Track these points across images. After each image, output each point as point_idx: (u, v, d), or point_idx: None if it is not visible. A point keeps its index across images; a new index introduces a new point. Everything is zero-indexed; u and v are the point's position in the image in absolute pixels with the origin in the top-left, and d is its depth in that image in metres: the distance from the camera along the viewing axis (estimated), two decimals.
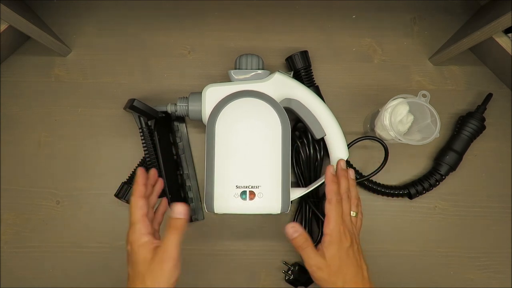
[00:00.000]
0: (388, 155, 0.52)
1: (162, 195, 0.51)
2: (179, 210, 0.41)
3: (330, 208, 0.45)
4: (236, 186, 0.47)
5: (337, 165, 0.49)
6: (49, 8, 0.58)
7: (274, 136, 0.47)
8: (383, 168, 0.52)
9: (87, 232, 0.55)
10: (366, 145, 0.56)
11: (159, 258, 0.39)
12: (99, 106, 0.57)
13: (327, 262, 0.43)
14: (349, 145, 0.51)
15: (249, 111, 0.47)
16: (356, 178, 0.54)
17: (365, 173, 0.54)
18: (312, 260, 0.43)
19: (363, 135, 0.53)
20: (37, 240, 0.54)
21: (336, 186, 0.46)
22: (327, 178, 0.47)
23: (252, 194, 0.47)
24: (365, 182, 0.54)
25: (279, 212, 0.47)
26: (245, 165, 0.47)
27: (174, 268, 0.39)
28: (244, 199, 0.46)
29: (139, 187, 0.44)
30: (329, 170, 0.47)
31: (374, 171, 0.52)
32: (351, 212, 0.46)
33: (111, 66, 0.58)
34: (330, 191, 0.46)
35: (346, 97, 0.58)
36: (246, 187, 0.47)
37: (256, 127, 0.47)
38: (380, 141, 0.52)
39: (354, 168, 0.54)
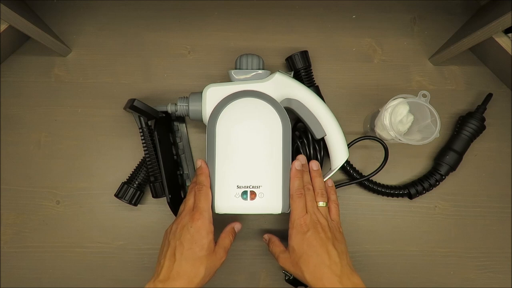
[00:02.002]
0: (388, 155, 0.52)
1: (162, 195, 0.51)
2: (238, 226, 0.50)
3: (292, 203, 0.46)
4: (237, 186, 0.47)
5: (298, 161, 0.49)
6: (49, 8, 0.58)
7: (275, 136, 0.47)
8: (383, 168, 0.52)
9: (87, 232, 0.55)
10: (366, 145, 0.56)
11: (219, 255, 0.44)
12: (99, 106, 0.57)
13: (289, 251, 0.45)
14: (349, 145, 0.51)
15: (249, 111, 0.47)
16: (356, 178, 0.54)
17: (365, 173, 0.55)
18: (276, 251, 0.47)
19: (363, 135, 0.53)
20: (37, 240, 0.54)
21: (297, 181, 0.47)
22: (291, 173, 0.48)
23: (253, 194, 0.47)
24: (365, 182, 0.54)
25: (280, 212, 0.47)
26: (246, 165, 0.47)
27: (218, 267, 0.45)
28: (245, 199, 0.46)
29: (207, 178, 0.46)
30: (293, 166, 0.48)
31: (374, 171, 0.52)
32: (319, 202, 0.47)
33: (111, 66, 0.58)
34: (291, 188, 0.47)
35: (346, 97, 0.58)
36: (247, 187, 0.47)
37: (257, 127, 0.47)
38: (380, 141, 0.52)
39: (355, 169, 0.54)
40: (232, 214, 0.49)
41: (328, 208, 0.48)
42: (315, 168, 0.49)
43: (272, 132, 0.47)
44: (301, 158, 0.49)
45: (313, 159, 0.52)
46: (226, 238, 0.47)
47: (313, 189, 0.48)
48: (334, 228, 0.46)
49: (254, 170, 0.47)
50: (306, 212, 0.45)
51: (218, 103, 0.47)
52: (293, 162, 0.48)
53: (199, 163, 0.48)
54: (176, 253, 0.42)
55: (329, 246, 0.43)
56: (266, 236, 0.52)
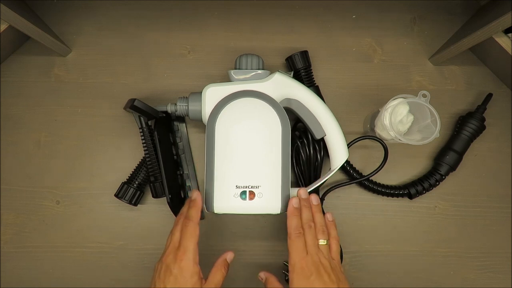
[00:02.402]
0: (387, 155, 0.52)
1: (162, 195, 0.51)
2: (230, 256, 0.46)
3: (290, 243, 0.44)
4: (236, 186, 0.47)
5: (298, 195, 0.47)
6: (49, 8, 0.58)
7: (274, 136, 0.47)
8: (383, 168, 0.52)
9: (87, 232, 0.55)
10: (366, 145, 0.56)
11: None
12: (99, 106, 0.57)
13: None
14: (348, 145, 0.51)
15: (249, 111, 0.47)
16: (356, 178, 0.54)
17: (365, 173, 0.54)
18: None
19: (363, 135, 0.53)
20: (37, 240, 0.54)
21: (295, 220, 0.45)
22: (287, 212, 0.46)
23: (252, 194, 0.47)
24: (365, 182, 0.54)
25: (279, 212, 0.47)
26: (245, 165, 0.47)
27: None
28: (244, 199, 0.46)
29: (198, 213, 0.44)
30: (291, 203, 0.46)
31: (374, 171, 0.52)
32: (320, 240, 0.44)
33: (111, 66, 0.58)
34: (289, 227, 0.44)
35: (346, 97, 0.58)
36: (246, 187, 0.47)
37: (256, 127, 0.47)
38: (380, 140, 0.52)
39: (354, 168, 0.54)
40: (231, 214, 0.49)
41: (329, 245, 0.45)
42: (315, 203, 0.47)
43: (271, 132, 0.47)
44: (303, 192, 0.47)
45: (313, 159, 0.52)
46: (217, 273, 0.44)
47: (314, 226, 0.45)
48: (336, 269, 0.43)
49: (253, 170, 0.47)
50: (307, 253, 0.43)
51: (218, 103, 0.47)
52: (291, 199, 0.46)
53: (194, 195, 0.45)
54: None
55: None
56: (262, 274, 0.48)
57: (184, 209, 0.45)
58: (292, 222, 0.45)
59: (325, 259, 0.43)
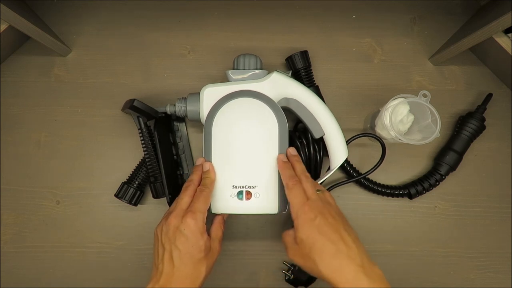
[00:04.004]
0: (385, 152, 0.51)
1: (162, 195, 0.51)
2: (225, 215, 0.48)
3: (289, 193, 0.42)
4: (233, 186, 0.47)
5: (286, 152, 0.47)
6: (49, 8, 0.58)
7: (271, 136, 0.47)
8: (383, 168, 0.52)
9: (87, 232, 0.55)
10: (365, 143, 0.56)
11: (215, 249, 0.43)
12: (99, 106, 0.57)
13: (299, 246, 0.40)
14: (347, 143, 0.50)
15: (246, 111, 0.47)
16: (354, 176, 0.54)
17: (363, 172, 0.54)
18: (288, 248, 0.42)
19: (361, 133, 0.53)
20: (37, 240, 0.54)
21: (288, 170, 0.44)
22: (279, 165, 0.46)
23: (249, 194, 0.46)
24: (365, 182, 0.54)
25: (276, 212, 0.47)
26: (242, 165, 0.47)
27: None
28: (241, 199, 0.46)
29: (212, 184, 0.45)
30: (279, 158, 0.46)
31: (371, 169, 0.52)
32: (316, 190, 0.43)
33: (111, 66, 0.58)
34: (286, 177, 0.43)
35: (346, 97, 0.58)
36: (243, 187, 0.47)
37: (253, 127, 0.47)
38: (377, 137, 0.52)
39: (352, 165, 0.54)
40: (229, 214, 0.49)
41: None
42: (293, 153, 0.47)
43: (268, 132, 0.47)
44: (291, 150, 0.47)
45: (313, 159, 0.52)
46: (218, 229, 0.46)
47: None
48: (339, 212, 0.42)
49: (250, 170, 0.47)
50: (308, 198, 0.41)
51: (215, 104, 0.47)
52: (278, 156, 0.46)
53: (207, 166, 0.46)
54: (174, 258, 0.40)
55: (342, 231, 0.39)
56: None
57: (193, 176, 0.45)
58: (286, 172, 0.44)
59: (326, 203, 0.42)
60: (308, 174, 0.44)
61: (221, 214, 0.48)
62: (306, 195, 0.42)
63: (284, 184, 0.44)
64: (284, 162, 0.46)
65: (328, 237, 0.38)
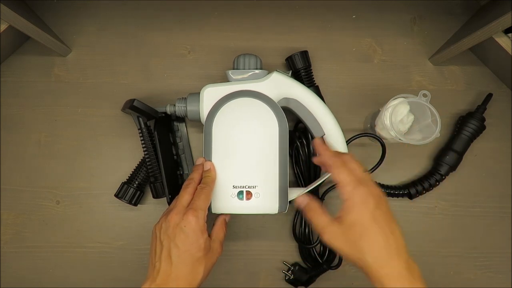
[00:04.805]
0: (385, 152, 0.51)
1: (162, 195, 0.51)
2: (228, 217, 0.47)
3: (338, 171, 0.38)
4: (233, 186, 0.46)
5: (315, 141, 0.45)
6: (49, 8, 0.58)
7: (271, 135, 0.47)
8: (383, 168, 0.52)
9: (87, 232, 0.55)
10: (365, 143, 0.56)
11: (216, 250, 0.43)
12: (99, 106, 0.57)
13: (344, 229, 0.36)
14: (347, 142, 0.50)
15: (246, 111, 0.47)
16: None
17: None
18: (325, 228, 0.38)
19: (361, 132, 0.53)
20: (37, 240, 0.54)
21: (328, 151, 0.42)
22: (319, 147, 0.43)
23: (249, 194, 0.46)
24: None
25: (276, 212, 0.47)
26: (242, 165, 0.47)
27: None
28: (241, 199, 0.46)
29: (213, 183, 0.45)
30: (317, 141, 0.44)
31: (371, 169, 0.52)
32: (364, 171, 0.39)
33: (111, 66, 0.58)
34: (328, 157, 0.40)
35: (346, 97, 0.58)
36: (243, 187, 0.46)
37: (253, 127, 0.47)
38: (377, 137, 0.52)
39: None
40: (229, 214, 0.49)
41: None
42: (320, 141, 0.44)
43: (268, 132, 0.47)
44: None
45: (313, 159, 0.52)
46: (220, 230, 0.45)
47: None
48: (388, 202, 0.39)
49: (250, 170, 0.47)
50: (359, 183, 0.37)
51: (215, 104, 0.47)
52: (315, 139, 0.45)
53: (208, 165, 0.46)
54: (172, 256, 0.39)
55: (394, 224, 0.36)
56: (301, 200, 0.42)
57: (193, 175, 0.45)
58: (330, 153, 0.41)
59: (379, 190, 0.38)
60: (352, 154, 0.41)
61: (223, 215, 0.47)
62: (357, 177, 0.38)
63: (328, 164, 0.40)
64: (323, 144, 0.44)
65: (382, 227, 0.36)
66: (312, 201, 0.41)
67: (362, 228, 0.36)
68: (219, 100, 0.47)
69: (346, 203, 0.37)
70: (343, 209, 0.37)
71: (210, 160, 0.47)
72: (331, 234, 0.38)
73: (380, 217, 0.36)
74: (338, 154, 0.41)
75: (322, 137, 0.49)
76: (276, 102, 0.48)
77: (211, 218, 0.46)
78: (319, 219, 0.39)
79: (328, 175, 0.50)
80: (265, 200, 0.46)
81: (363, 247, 0.35)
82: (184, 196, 0.43)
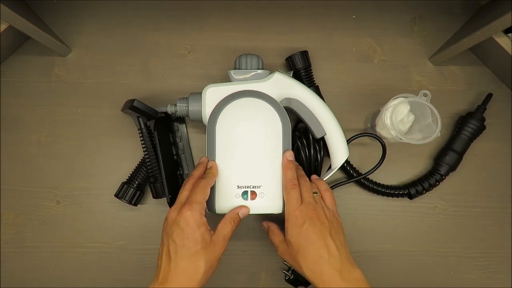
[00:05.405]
0: (385, 152, 0.52)
1: (162, 195, 0.51)
2: (244, 211, 0.46)
3: (286, 195, 0.45)
4: (237, 186, 0.47)
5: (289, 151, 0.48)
6: (49, 8, 0.58)
7: (275, 135, 0.47)
8: (384, 168, 0.52)
9: (87, 232, 0.55)
10: (365, 143, 0.56)
11: (218, 245, 0.42)
12: (99, 106, 0.57)
13: (288, 247, 0.43)
14: (347, 142, 0.50)
15: (249, 111, 0.47)
16: (354, 176, 0.54)
17: (363, 172, 0.54)
18: (278, 246, 0.46)
19: (361, 132, 0.53)
20: (37, 240, 0.54)
21: (290, 172, 0.46)
22: (283, 166, 0.47)
23: (253, 194, 0.47)
24: (365, 182, 0.54)
25: (280, 211, 0.47)
26: (246, 165, 0.47)
27: (220, 258, 0.43)
28: (246, 199, 0.46)
29: (213, 178, 0.45)
30: (285, 156, 0.47)
31: (372, 169, 0.52)
32: (313, 193, 0.45)
33: (111, 66, 0.58)
34: (284, 179, 0.46)
35: (346, 97, 0.58)
36: (247, 187, 0.47)
37: (257, 127, 0.47)
38: (377, 137, 0.52)
39: (352, 165, 0.54)
40: (246, 209, 0.48)
41: (322, 197, 0.46)
42: (290, 159, 0.47)
43: (272, 132, 0.47)
44: (288, 153, 0.47)
45: (313, 159, 0.52)
46: (226, 225, 0.44)
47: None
48: (331, 217, 0.44)
49: (254, 170, 0.47)
50: (301, 202, 0.43)
51: (218, 104, 0.47)
52: (284, 153, 0.47)
53: (210, 164, 0.46)
54: (170, 252, 0.40)
55: (327, 238, 0.41)
56: (265, 223, 0.50)
57: (194, 172, 0.46)
58: (288, 174, 0.46)
59: (319, 208, 0.44)
60: (306, 178, 0.47)
61: (237, 209, 0.46)
62: (302, 199, 0.44)
63: (284, 185, 0.46)
64: (289, 162, 0.46)
65: (313, 243, 0.41)
66: (272, 224, 0.49)
67: (297, 246, 0.42)
68: (222, 100, 0.47)
69: (285, 223, 0.44)
70: (285, 230, 0.44)
71: (214, 160, 0.47)
72: (282, 250, 0.45)
73: (312, 235, 0.41)
74: (293, 178, 0.45)
75: (323, 137, 0.49)
76: (278, 102, 0.48)
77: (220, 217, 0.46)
78: (275, 238, 0.47)
79: (329, 175, 0.50)
80: (269, 200, 0.47)
81: (300, 262, 0.41)
82: (183, 192, 0.43)
